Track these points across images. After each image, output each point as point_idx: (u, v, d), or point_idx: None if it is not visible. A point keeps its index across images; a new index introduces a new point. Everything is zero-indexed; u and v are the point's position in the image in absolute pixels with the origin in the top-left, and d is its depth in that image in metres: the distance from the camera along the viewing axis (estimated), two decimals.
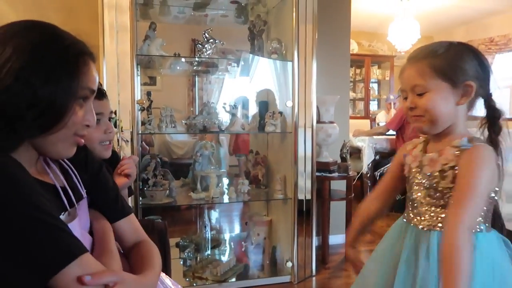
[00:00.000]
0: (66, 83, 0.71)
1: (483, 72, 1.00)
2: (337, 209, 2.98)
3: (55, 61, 0.70)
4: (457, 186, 0.95)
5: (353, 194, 2.87)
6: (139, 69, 2.54)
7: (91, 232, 0.83)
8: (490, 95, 1.03)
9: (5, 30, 0.71)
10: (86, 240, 0.79)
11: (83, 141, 0.79)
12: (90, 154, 0.92)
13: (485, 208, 0.98)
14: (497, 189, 1.00)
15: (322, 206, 2.77)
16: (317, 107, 2.63)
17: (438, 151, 1.02)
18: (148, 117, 2.34)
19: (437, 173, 1.00)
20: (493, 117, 1.03)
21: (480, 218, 0.98)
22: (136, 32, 2.32)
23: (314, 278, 2.53)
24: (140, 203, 2.27)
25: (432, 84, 0.97)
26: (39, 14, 2.59)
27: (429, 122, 0.99)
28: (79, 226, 0.77)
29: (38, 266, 0.63)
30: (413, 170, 1.08)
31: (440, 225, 1.00)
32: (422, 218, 1.03)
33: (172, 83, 4.21)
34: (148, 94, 2.59)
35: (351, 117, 4.93)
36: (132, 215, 0.95)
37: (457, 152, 0.97)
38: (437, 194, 1.01)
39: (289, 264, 2.46)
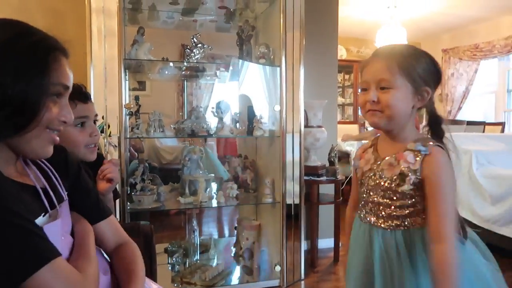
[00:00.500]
0: (36, 80, 0.70)
1: (437, 82, 1.06)
2: (326, 213, 3.00)
3: (23, 58, 0.70)
4: (432, 200, 0.99)
5: (341, 198, 2.89)
6: (127, 73, 2.54)
7: (73, 234, 0.83)
8: (433, 102, 1.07)
9: None
10: (67, 242, 0.79)
11: (58, 138, 0.78)
12: (69, 156, 0.91)
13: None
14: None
15: (311, 210, 2.78)
16: (305, 112, 2.65)
17: (394, 155, 1.05)
18: (136, 122, 2.33)
19: (396, 177, 1.03)
20: (436, 123, 1.07)
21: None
22: (124, 37, 2.32)
23: (303, 282, 2.53)
24: (128, 208, 2.26)
25: (398, 82, 1.00)
26: (25, 18, 2.55)
27: (386, 118, 1.02)
28: (61, 227, 0.77)
29: (9, 270, 0.62)
30: (367, 174, 1.10)
31: (406, 222, 1.04)
32: (385, 220, 1.06)
33: (161, 88, 4.20)
34: (136, 98, 2.58)
35: (340, 122, 4.98)
36: (112, 217, 0.95)
37: (417, 158, 1.01)
38: (397, 196, 1.04)
39: (278, 268, 2.46)
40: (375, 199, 1.08)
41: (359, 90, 1.06)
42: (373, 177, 1.08)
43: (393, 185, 1.04)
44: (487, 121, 5.15)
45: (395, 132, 1.06)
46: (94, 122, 1.27)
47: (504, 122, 5.12)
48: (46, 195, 0.77)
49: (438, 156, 1.00)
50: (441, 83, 1.09)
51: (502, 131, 4.74)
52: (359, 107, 6.60)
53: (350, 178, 4.24)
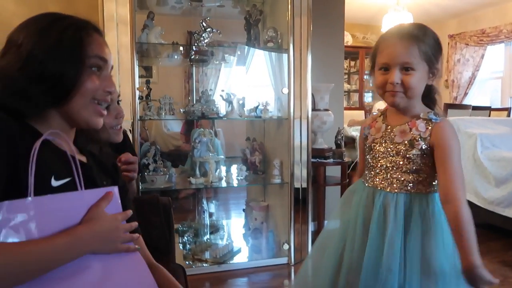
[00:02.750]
0: (72, 54, 0.79)
1: (441, 54, 1.15)
2: (332, 194, 3.06)
3: (59, 36, 0.79)
4: (441, 163, 1.07)
5: (347, 180, 2.96)
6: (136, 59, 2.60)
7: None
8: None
9: (22, 23, 0.82)
10: (69, 222, 0.73)
11: (104, 112, 0.86)
12: (119, 169, 0.98)
13: None
14: None
15: (318, 192, 2.85)
16: (312, 95, 2.70)
17: (407, 123, 1.13)
18: (148, 104, 2.40)
19: (406, 142, 1.11)
20: (429, 91, 1.16)
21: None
22: (135, 22, 2.37)
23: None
24: (141, 187, 2.34)
25: (419, 65, 1.08)
26: (37, 5, 2.64)
27: (407, 98, 1.10)
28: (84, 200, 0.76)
29: None
30: (377, 141, 1.18)
31: (408, 187, 1.12)
32: (391, 183, 1.14)
33: (168, 75, 4.26)
34: (147, 82, 2.65)
35: (346, 108, 5.01)
36: (140, 237, 0.96)
37: (428, 127, 1.10)
38: (404, 161, 1.12)
39: (286, 246, 2.54)
40: (383, 164, 1.15)
41: (380, 70, 1.12)
42: (383, 143, 1.16)
43: (402, 150, 1.11)
44: (493, 107, 5.16)
45: (408, 108, 1.14)
46: (118, 104, 1.35)
47: (510, 108, 5.12)
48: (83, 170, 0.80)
49: (447, 125, 1.10)
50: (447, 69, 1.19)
51: (508, 116, 4.75)
52: (365, 91, 6.64)
53: (356, 162, 4.31)
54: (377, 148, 1.17)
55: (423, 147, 1.09)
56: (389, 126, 1.17)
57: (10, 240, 0.64)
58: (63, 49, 0.78)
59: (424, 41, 1.09)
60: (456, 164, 1.06)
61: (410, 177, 1.11)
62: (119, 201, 0.81)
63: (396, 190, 1.12)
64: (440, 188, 1.08)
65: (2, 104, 0.75)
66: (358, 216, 1.17)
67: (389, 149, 1.14)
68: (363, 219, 1.15)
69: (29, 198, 0.67)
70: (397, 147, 1.13)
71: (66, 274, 0.69)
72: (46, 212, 0.69)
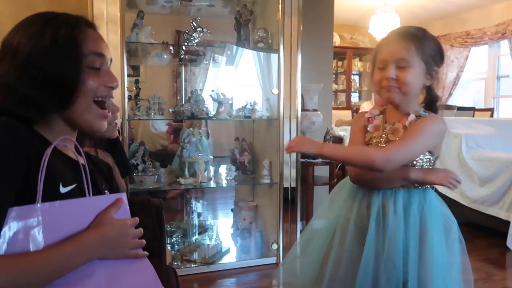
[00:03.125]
0: (68, 55, 0.77)
1: (442, 60, 1.19)
2: (321, 194, 3.08)
3: (53, 39, 0.77)
4: (404, 136, 1.12)
5: (335, 179, 2.98)
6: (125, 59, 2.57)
7: None
8: (435, 80, 1.19)
9: (14, 27, 0.80)
10: (73, 229, 0.72)
11: (109, 114, 0.85)
12: (113, 171, 0.98)
13: (425, 166, 1.15)
14: (436, 156, 1.17)
15: (306, 192, 2.87)
16: (302, 96, 2.72)
17: (400, 122, 1.16)
18: (137, 104, 2.38)
19: (398, 139, 1.14)
20: (432, 100, 1.20)
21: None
22: (124, 22, 2.35)
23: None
24: (129, 188, 2.32)
25: (415, 62, 1.11)
26: (26, 4, 2.59)
27: (402, 94, 1.13)
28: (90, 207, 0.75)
29: None
30: (374, 139, 1.20)
31: (405, 183, 1.14)
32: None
33: (156, 74, 4.22)
34: (136, 82, 2.63)
35: (333, 108, 5.04)
36: None
37: (415, 120, 1.14)
38: None
39: (275, 246, 2.56)
40: None
41: (378, 68, 1.15)
42: (380, 141, 1.18)
43: None
44: (477, 107, 5.27)
45: (403, 106, 1.17)
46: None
47: (493, 108, 5.24)
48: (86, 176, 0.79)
49: (433, 117, 1.14)
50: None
51: (491, 116, 4.86)
52: (352, 91, 6.68)
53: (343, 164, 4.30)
54: (374, 145, 1.19)
55: None
56: (386, 125, 1.19)
57: (18, 246, 0.64)
58: (59, 50, 0.77)
59: (423, 41, 1.12)
60: (417, 141, 1.09)
61: None
62: (128, 207, 0.80)
63: (394, 187, 1.14)
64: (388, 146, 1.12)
65: (8, 111, 0.74)
66: (350, 212, 1.18)
67: (383, 146, 1.16)
68: (357, 215, 1.16)
69: (38, 205, 0.66)
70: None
71: (70, 280, 0.69)
72: (55, 218, 0.68)
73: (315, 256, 1.22)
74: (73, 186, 0.76)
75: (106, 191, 0.88)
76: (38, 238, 0.66)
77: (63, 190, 0.74)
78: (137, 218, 0.81)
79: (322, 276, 1.17)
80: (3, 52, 0.78)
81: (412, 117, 1.14)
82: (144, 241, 0.82)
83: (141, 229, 0.81)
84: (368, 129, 1.22)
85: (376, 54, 1.17)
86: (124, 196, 0.80)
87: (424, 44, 1.12)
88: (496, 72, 5.74)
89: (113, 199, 0.77)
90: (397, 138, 1.14)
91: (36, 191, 0.67)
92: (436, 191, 1.21)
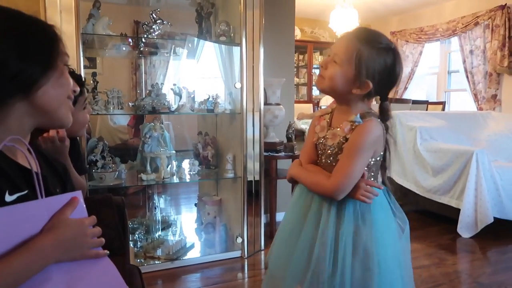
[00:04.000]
0: (47, 46, 0.76)
1: (389, 83, 1.17)
2: (284, 187, 3.13)
3: (31, 29, 0.75)
4: (342, 156, 1.14)
5: None
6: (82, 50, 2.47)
7: None
8: (385, 99, 1.20)
9: None
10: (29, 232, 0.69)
11: (73, 107, 0.85)
12: (68, 172, 0.96)
13: (373, 168, 1.19)
14: (381, 153, 1.19)
15: (270, 185, 2.90)
16: (264, 90, 2.73)
17: (339, 126, 1.18)
18: (95, 98, 2.29)
19: (335, 145, 1.17)
20: (384, 117, 1.19)
21: (372, 175, 1.19)
22: (79, 11, 2.25)
23: (262, 252, 2.66)
24: (89, 185, 2.24)
25: (345, 64, 1.11)
26: None
27: (326, 86, 1.16)
28: (43, 208, 0.72)
29: None
30: (320, 140, 1.23)
31: None
32: None
33: (114, 66, 4.08)
34: (94, 75, 2.52)
35: (295, 102, 5.12)
36: None
37: (352, 127, 1.14)
38: (335, 163, 1.17)
39: (239, 239, 2.57)
40: (323, 162, 1.21)
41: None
42: (324, 143, 1.21)
43: (333, 152, 1.18)
44: (429, 100, 5.52)
45: (344, 105, 1.19)
46: None
47: (445, 101, 5.51)
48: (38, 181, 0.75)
49: (368, 125, 1.12)
50: (395, 86, 1.23)
51: (443, 109, 5.11)
52: (314, 85, 6.80)
53: None
54: (320, 147, 1.22)
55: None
56: (330, 127, 1.22)
57: None
58: (35, 40, 0.75)
59: (370, 51, 1.10)
60: (357, 161, 1.11)
61: None
62: (84, 206, 0.77)
63: None
64: (332, 174, 1.13)
65: None
66: (300, 210, 1.22)
67: (326, 150, 1.20)
68: (303, 213, 1.21)
69: None
70: (329, 149, 1.19)
71: None
72: (1, 224, 0.64)
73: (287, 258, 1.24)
74: (23, 192, 0.71)
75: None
76: None
77: (9, 198, 0.69)
78: (94, 217, 0.78)
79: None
80: None
81: (347, 127, 1.15)
82: (103, 239, 0.79)
83: (99, 228, 0.78)
84: (315, 130, 1.25)
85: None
86: (79, 194, 0.76)
87: (369, 54, 1.09)
88: (447, 67, 6.03)
89: (67, 198, 0.74)
90: (334, 143, 1.17)
91: None
92: (393, 181, 1.26)
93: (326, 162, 1.19)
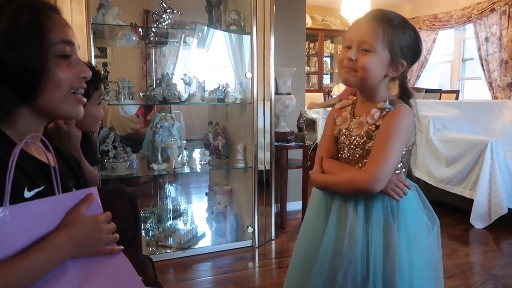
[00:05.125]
0: (33, 44, 0.69)
1: (415, 57, 1.12)
2: (294, 177, 3.12)
3: (13, 24, 0.68)
4: (376, 143, 1.08)
5: (309, 162, 3.02)
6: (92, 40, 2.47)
7: None
8: (406, 77, 1.16)
9: None
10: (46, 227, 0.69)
11: (84, 99, 0.80)
12: (81, 166, 0.96)
13: (404, 159, 1.13)
14: (413, 142, 1.14)
15: (280, 174, 2.89)
16: (275, 79, 2.71)
17: (365, 114, 1.12)
18: (106, 88, 2.30)
19: (364, 134, 1.11)
20: (407, 95, 1.15)
21: (401, 165, 1.13)
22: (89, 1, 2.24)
23: (273, 242, 2.67)
24: (101, 175, 2.26)
25: (378, 48, 1.05)
26: None
27: (359, 78, 1.07)
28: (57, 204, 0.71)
29: None
30: (342, 132, 1.17)
31: None
32: None
33: (124, 56, 4.08)
34: (104, 65, 2.53)
35: (306, 90, 5.07)
36: None
37: (382, 114, 1.09)
38: (363, 153, 1.12)
39: (250, 229, 2.58)
40: (346, 155, 1.16)
41: (344, 47, 1.09)
42: (347, 135, 1.16)
43: (361, 142, 1.12)
44: (443, 89, 5.42)
45: (367, 93, 1.14)
46: None
47: (459, 90, 5.41)
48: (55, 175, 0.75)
49: (401, 110, 1.07)
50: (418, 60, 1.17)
51: (457, 98, 5.02)
52: (324, 73, 6.72)
53: (316, 144, 4.39)
54: (342, 139, 1.17)
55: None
56: (353, 117, 1.17)
57: None
58: (19, 38, 0.68)
59: (395, 29, 1.06)
60: (393, 148, 1.04)
61: None
62: (99, 202, 0.76)
63: None
64: (367, 163, 1.07)
65: None
66: (320, 208, 1.17)
67: (350, 141, 1.14)
68: (325, 211, 1.15)
69: (1, 208, 0.62)
70: (356, 139, 1.13)
71: (40, 281, 0.65)
72: (21, 221, 0.64)
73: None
74: (41, 188, 0.72)
75: (73, 189, 0.84)
76: (6, 243, 0.62)
77: (27, 194, 0.69)
78: (109, 213, 0.77)
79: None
80: None
81: (376, 114, 1.09)
82: (117, 235, 0.79)
83: (114, 224, 0.78)
84: (336, 121, 1.20)
85: (347, 33, 1.13)
86: (95, 191, 0.76)
87: (396, 33, 1.05)
88: (462, 55, 5.91)
89: (83, 194, 0.74)
90: (362, 132, 1.11)
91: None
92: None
93: (351, 155, 1.14)
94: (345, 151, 1.16)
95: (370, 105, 1.13)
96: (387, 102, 1.09)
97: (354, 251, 1.07)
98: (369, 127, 1.10)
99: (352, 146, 1.14)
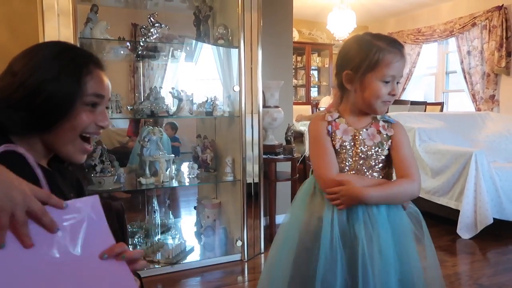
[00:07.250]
0: (71, 86, 0.81)
1: None
2: (283, 189, 3.12)
3: (63, 66, 0.81)
4: (403, 153, 1.22)
5: (297, 175, 3.03)
6: None
7: None
8: None
9: (25, 50, 0.84)
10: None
11: (90, 149, 0.87)
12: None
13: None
14: None
15: (269, 187, 2.89)
16: (263, 92, 2.73)
17: (372, 126, 1.23)
18: None
19: (378, 143, 1.22)
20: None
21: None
22: (77, 15, 2.24)
23: (262, 255, 2.66)
24: (88, 190, 2.23)
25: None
26: None
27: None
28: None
29: None
30: (345, 143, 1.21)
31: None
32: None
33: (112, 70, 4.02)
34: None
35: (294, 103, 5.12)
36: None
37: (388, 125, 1.25)
38: (376, 161, 1.22)
39: (239, 243, 2.56)
40: (349, 165, 1.20)
41: (383, 81, 1.18)
42: (355, 145, 1.21)
43: (373, 152, 1.21)
44: (428, 101, 5.52)
45: (370, 111, 1.24)
46: None
47: (443, 102, 5.52)
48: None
49: (401, 126, 1.28)
50: None
51: (441, 110, 5.11)
52: (312, 86, 6.78)
53: (304, 157, 4.38)
54: (346, 150, 1.20)
55: (389, 145, 1.23)
56: (355, 129, 1.23)
57: None
58: (61, 82, 0.80)
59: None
60: (410, 152, 1.25)
61: (382, 175, 1.23)
62: (111, 235, 0.73)
63: None
64: (397, 169, 1.22)
65: None
66: (321, 211, 1.19)
67: (360, 151, 1.20)
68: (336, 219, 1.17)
69: None
70: (369, 149, 1.21)
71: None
72: None
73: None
74: None
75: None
76: None
77: None
78: (48, 192, 0.67)
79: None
80: (6, 71, 0.82)
81: (384, 125, 1.24)
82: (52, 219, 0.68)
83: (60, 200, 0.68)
84: (337, 134, 1.21)
85: (379, 64, 1.15)
86: (96, 198, 0.75)
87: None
88: (445, 68, 6.04)
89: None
90: (376, 142, 1.21)
91: None
92: None
93: (358, 165, 1.20)
94: (349, 161, 1.21)
95: (366, 118, 1.24)
96: (385, 115, 1.26)
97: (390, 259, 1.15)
98: (382, 137, 1.22)
99: (362, 156, 1.20)
